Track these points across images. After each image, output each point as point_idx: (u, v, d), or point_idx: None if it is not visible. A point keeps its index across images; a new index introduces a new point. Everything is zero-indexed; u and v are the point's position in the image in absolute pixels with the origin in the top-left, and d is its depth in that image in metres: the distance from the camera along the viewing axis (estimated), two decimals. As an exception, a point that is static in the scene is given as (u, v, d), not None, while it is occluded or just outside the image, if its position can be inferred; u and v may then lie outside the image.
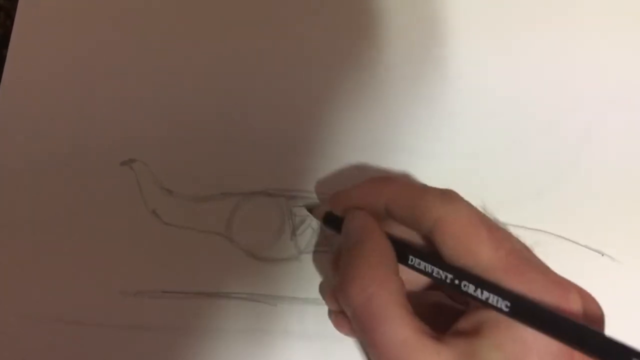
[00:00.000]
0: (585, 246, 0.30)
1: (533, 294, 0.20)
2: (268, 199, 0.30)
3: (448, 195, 0.23)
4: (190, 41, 0.32)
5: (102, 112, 0.31)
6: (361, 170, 0.30)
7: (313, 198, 0.30)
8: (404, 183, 0.24)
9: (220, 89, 0.31)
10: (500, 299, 0.20)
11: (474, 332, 0.20)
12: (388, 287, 0.21)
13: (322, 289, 0.29)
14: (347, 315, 0.23)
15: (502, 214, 0.30)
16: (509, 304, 0.19)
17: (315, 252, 0.29)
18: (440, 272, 0.21)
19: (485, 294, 0.20)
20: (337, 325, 0.27)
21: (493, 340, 0.20)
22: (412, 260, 0.23)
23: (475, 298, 0.20)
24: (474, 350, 0.20)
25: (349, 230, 0.25)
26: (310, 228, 0.29)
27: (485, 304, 0.20)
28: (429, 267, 0.22)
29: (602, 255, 0.29)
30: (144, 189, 0.30)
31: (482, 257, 0.21)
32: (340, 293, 0.23)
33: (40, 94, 0.31)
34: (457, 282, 0.21)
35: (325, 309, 0.28)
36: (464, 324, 0.21)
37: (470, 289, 0.20)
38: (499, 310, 0.20)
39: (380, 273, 0.22)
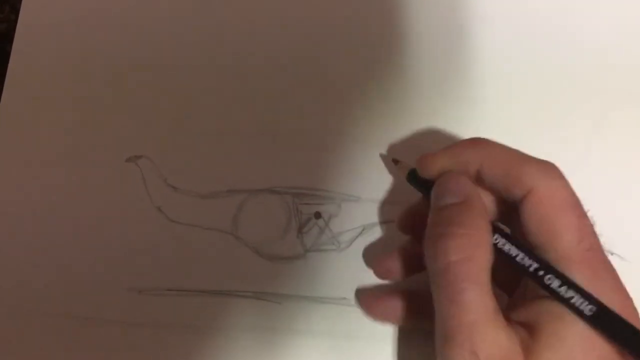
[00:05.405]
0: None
1: (598, 295, 0.19)
2: (274, 197, 0.30)
3: (547, 167, 0.22)
4: (198, 37, 0.32)
5: (107, 108, 0.31)
6: (369, 167, 0.30)
7: (320, 196, 0.30)
8: (502, 146, 0.23)
9: (226, 85, 0.31)
10: (586, 302, 0.19)
11: (532, 327, 0.20)
12: (486, 251, 0.20)
13: (358, 294, 0.28)
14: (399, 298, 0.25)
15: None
16: (594, 309, 0.19)
17: (321, 251, 0.29)
18: (526, 258, 0.21)
19: (571, 292, 0.19)
20: (372, 309, 0.26)
21: (546, 340, 0.19)
22: (496, 239, 0.21)
23: (556, 294, 0.20)
24: (531, 344, 0.20)
25: (448, 191, 0.23)
26: (317, 226, 0.29)
27: (564, 302, 0.20)
28: (514, 250, 0.21)
29: (612, 254, 0.29)
30: (149, 186, 0.29)
31: (563, 243, 0.20)
32: (436, 245, 0.21)
33: (45, 89, 0.31)
34: (541, 273, 0.20)
35: (330, 307, 0.28)
36: (524, 313, 0.21)
37: (555, 283, 0.20)
38: (579, 312, 0.19)
39: (484, 237, 0.21)
